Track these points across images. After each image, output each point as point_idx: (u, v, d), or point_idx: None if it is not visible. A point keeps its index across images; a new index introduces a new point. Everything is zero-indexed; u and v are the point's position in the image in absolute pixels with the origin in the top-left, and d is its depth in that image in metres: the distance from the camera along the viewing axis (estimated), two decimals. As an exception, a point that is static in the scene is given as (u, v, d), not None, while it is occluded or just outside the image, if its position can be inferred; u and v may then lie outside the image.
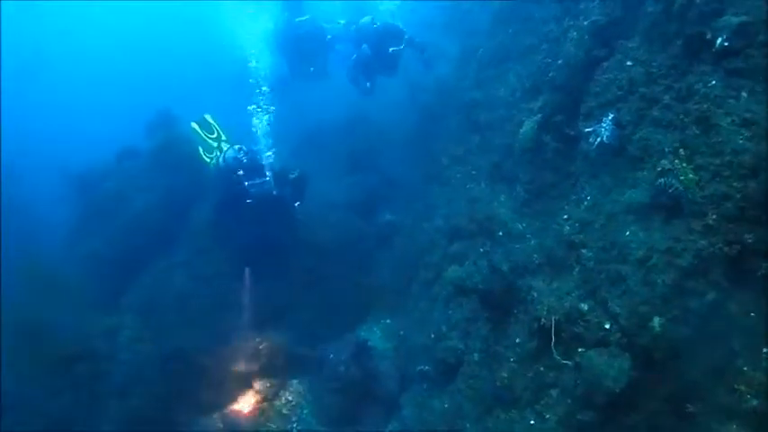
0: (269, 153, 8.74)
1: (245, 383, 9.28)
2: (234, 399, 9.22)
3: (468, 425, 6.43)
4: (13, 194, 14.26)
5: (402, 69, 11.01)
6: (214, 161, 9.40)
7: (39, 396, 8.71)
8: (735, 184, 4.27)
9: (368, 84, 10.83)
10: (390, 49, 10.23)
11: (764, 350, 3.75)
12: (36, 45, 28.56)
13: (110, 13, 30.69)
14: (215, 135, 9.29)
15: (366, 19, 10.64)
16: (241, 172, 8.55)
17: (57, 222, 12.36)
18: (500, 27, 9.33)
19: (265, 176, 8.53)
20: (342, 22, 11.52)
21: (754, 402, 3.64)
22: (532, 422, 5.45)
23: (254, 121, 8.80)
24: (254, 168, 8.62)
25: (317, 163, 11.81)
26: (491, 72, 9.09)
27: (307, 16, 11.87)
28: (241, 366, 9.32)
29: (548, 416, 5.30)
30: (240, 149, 8.88)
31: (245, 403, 9.22)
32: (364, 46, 10.57)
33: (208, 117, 9.45)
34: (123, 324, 9.16)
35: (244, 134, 9.30)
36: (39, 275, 9.29)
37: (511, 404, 5.83)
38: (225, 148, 9.26)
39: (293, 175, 8.86)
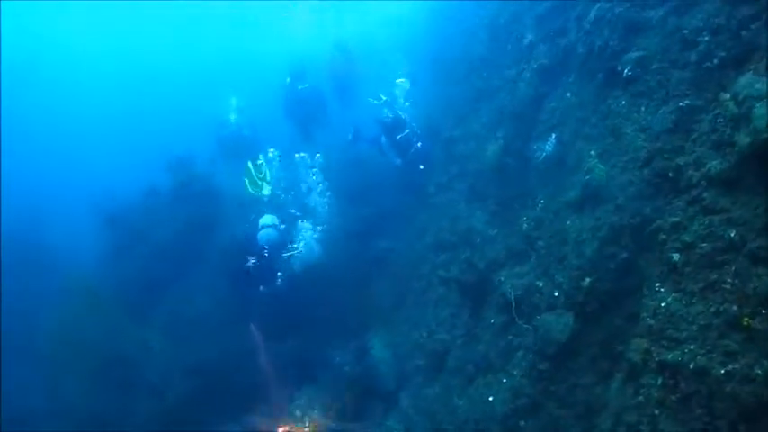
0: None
1: (260, 390, 10.51)
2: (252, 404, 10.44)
3: (455, 398, 7.66)
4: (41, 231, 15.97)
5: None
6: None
7: (74, 398, 9.96)
8: (635, 172, 5.74)
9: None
10: (398, 137, 11.56)
11: (657, 284, 5.09)
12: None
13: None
14: (263, 175, 10.57)
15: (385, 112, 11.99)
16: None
17: (88, 254, 13.85)
18: (473, 74, 11.04)
19: None
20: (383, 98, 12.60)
21: (651, 322, 4.97)
22: (504, 380, 6.72)
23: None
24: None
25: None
26: (467, 111, 10.71)
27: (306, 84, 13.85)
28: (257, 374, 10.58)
29: (515, 372, 6.58)
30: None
31: (262, 408, 10.42)
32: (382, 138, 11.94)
33: (261, 160, 10.69)
34: (152, 336, 10.51)
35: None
36: (81, 294, 10.69)
37: (488, 370, 7.11)
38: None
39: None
